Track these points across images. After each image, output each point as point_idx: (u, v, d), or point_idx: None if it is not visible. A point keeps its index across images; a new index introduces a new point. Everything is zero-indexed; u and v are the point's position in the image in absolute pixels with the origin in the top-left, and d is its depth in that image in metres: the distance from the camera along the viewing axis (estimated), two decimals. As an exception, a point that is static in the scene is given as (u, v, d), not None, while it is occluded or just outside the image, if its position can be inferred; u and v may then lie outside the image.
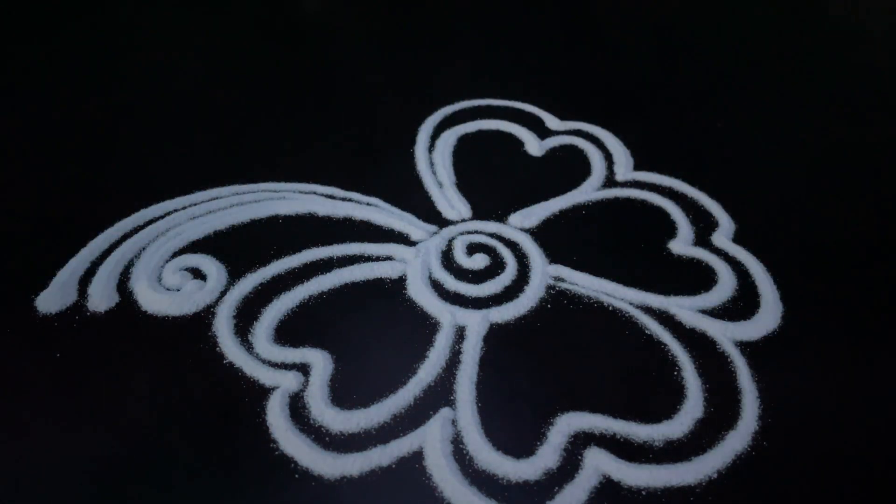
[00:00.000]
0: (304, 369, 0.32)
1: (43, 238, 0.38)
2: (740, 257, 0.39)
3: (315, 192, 0.41)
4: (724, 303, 0.36)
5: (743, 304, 0.36)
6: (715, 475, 0.29)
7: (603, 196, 0.43)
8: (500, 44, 0.57)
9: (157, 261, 0.37)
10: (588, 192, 0.43)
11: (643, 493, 0.29)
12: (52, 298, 0.34)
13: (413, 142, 0.46)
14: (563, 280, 0.37)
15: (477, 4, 0.63)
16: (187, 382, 0.32)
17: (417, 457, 0.29)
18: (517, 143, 0.47)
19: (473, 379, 0.32)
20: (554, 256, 0.38)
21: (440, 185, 0.43)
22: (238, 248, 0.38)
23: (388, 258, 0.38)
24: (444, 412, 0.31)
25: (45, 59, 0.55)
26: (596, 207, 0.42)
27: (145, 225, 0.39)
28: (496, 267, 0.38)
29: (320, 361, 0.33)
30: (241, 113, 0.49)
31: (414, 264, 0.37)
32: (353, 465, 0.29)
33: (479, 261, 0.38)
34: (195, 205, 0.40)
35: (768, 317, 0.36)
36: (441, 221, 0.40)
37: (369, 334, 0.34)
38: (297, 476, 0.29)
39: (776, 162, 0.46)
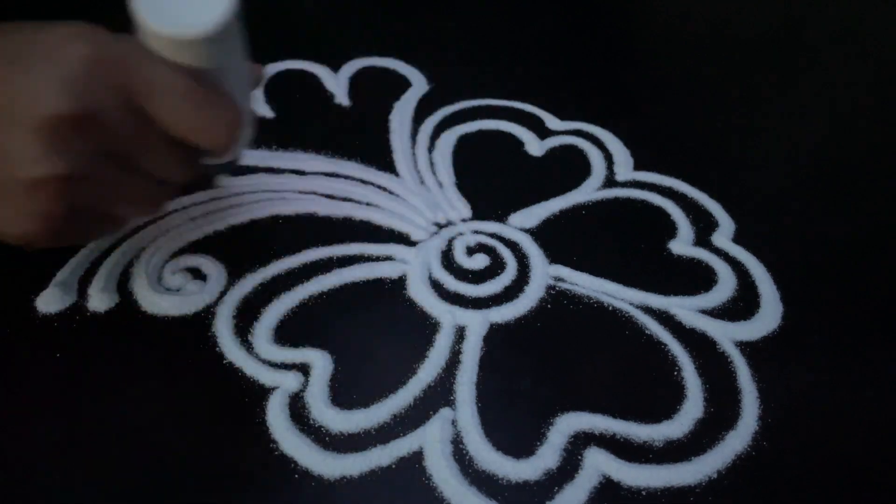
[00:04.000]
0: (304, 369, 0.32)
1: (43, 238, 0.38)
2: (740, 257, 0.39)
3: (315, 192, 0.41)
4: (725, 303, 0.36)
5: (743, 305, 0.36)
6: (715, 475, 0.29)
7: (603, 196, 0.43)
8: (500, 44, 0.57)
9: (157, 261, 0.37)
10: (588, 192, 0.43)
11: (643, 493, 0.29)
12: (52, 298, 0.34)
13: (413, 142, 0.46)
14: (563, 280, 0.37)
15: (477, 4, 0.63)
16: (187, 382, 0.32)
17: (417, 457, 0.29)
18: (517, 143, 0.47)
19: (473, 379, 0.32)
20: (554, 256, 0.38)
21: (440, 184, 0.43)
22: (238, 248, 0.38)
23: (388, 258, 0.38)
24: (444, 412, 0.31)
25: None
26: (596, 207, 0.42)
27: (145, 225, 0.38)
28: (496, 267, 0.38)
29: (320, 361, 0.32)
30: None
31: (414, 264, 0.37)
32: (353, 465, 0.29)
33: (480, 261, 0.38)
34: (195, 205, 0.40)
35: (768, 317, 0.35)
36: (441, 221, 0.40)
37: (369, 334, 0.34)
38: (296, 476, 0.28)
39: (776, 162, 0.46)
